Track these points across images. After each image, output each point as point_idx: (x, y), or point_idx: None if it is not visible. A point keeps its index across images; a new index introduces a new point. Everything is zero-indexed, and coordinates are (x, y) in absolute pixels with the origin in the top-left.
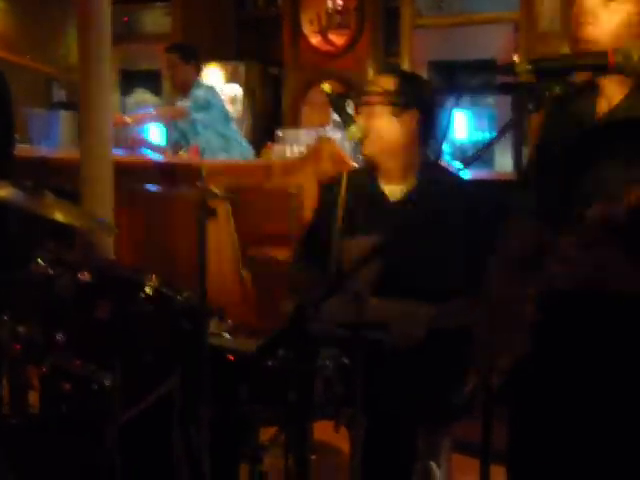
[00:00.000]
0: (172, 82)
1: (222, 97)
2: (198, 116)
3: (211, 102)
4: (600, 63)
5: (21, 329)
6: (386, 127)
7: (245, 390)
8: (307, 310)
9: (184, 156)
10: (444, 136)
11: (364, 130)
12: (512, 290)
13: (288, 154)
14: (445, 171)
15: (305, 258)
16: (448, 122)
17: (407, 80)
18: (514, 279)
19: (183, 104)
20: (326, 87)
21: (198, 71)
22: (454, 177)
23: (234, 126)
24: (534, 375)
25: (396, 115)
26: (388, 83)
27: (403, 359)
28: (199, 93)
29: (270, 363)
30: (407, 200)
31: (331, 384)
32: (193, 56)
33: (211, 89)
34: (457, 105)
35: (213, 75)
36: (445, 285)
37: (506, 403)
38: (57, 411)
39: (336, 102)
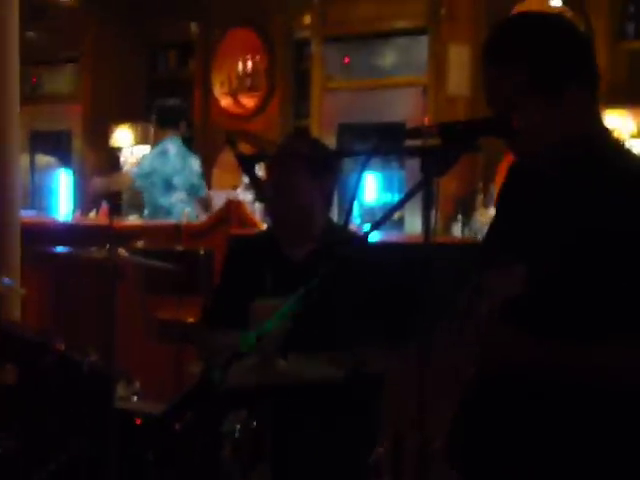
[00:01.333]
0: None
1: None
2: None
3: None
4: (504, 127)
5: None
6: (300, 188)
7: (152, 454)
8: (214, 373)
9: (93, 217)
10: (353, 198)
11: (275, 191)
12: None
13: (198, 216)
14: (348, 233)
15: (213, 320)
16: (357, 185)
17: (318, 145)
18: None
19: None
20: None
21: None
22: (358, 239)
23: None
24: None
25: (311, 177)
26: (302, 146)
27: (314, 421)
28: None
29: (177, 427)
30: (310, 261)
31: (239, 446)
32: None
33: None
34: (366, 168)
35: (123, 136)
36: (347, 340)
37: (453, 466)
38: None
39: (246, 164)
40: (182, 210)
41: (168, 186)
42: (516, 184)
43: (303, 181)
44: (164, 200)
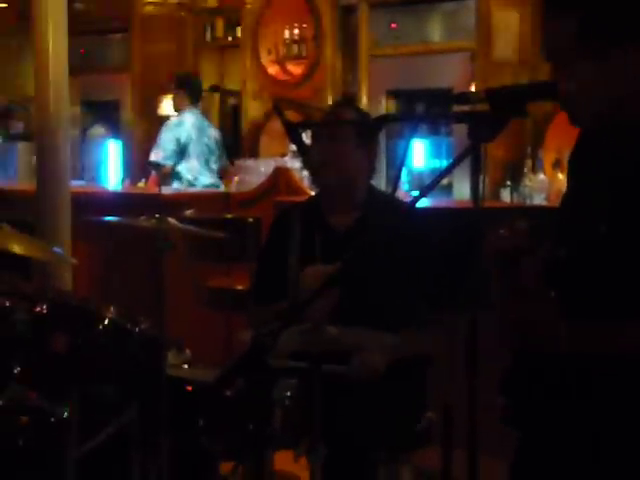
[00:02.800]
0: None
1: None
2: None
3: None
4: (551, 91)
5: None
6: (347, 156)
7: (204, 421)
8: (265, 340)
9: (142, 186)
10: (402, 165)
11: (322, 159)
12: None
13: (246, 184)
14: (393, 200)
15: (261, 289)
16: (406, 151)
17: (363, 112)
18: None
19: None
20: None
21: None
22: (403, 206)
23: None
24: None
25: (357, 144)
26: (349, 114)
27: (362, 387)
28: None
29: (229, 394)
30: (355, 229)
31: (290, 414)
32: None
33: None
34: (414, 134)
35: (171, 105)
36: (400, 314)
37: (513, 425)
38: (14, 445)
39: (293, 131)
40: (194, 178)
41: (181, 154)
42: (582, 149)
43: (349, 149)
44: (179, 167)
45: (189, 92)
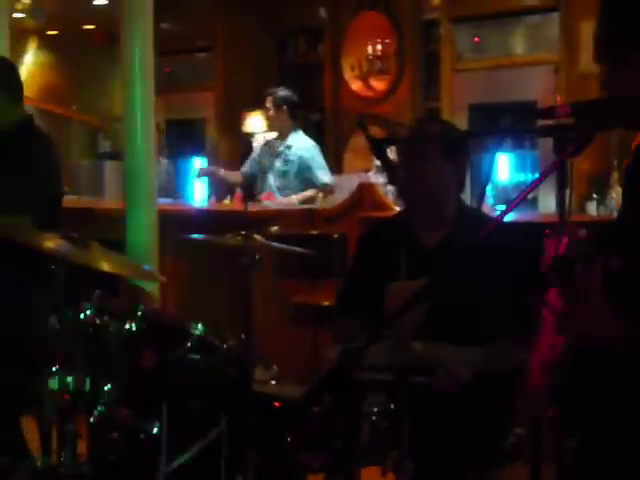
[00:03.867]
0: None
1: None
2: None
3: None
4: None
5: (70, 379)
6: (432, 172)
7: (291, 437)
8: (352, 356)
9: (228, 204)
10: (487, 179)
11: (408, 175)
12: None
13: (331, 200)
14: (482, 216)
15: (347, 304)
16: (491, 165)
17: (449, 127)
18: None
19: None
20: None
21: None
22: (491, 222)
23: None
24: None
25: (443, 160)
26: (434, 128)
27: (450, 403)
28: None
29: (316, 409)
30: (444, 246)
31: (377, 429)
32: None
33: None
34: (499, 148)
35: (255, 123)
36: (486, 329)
37: (571, 433)
38: (105, 460)
39: (378, 147)
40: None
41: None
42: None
43: (435, 164)
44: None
45: (289, 110)
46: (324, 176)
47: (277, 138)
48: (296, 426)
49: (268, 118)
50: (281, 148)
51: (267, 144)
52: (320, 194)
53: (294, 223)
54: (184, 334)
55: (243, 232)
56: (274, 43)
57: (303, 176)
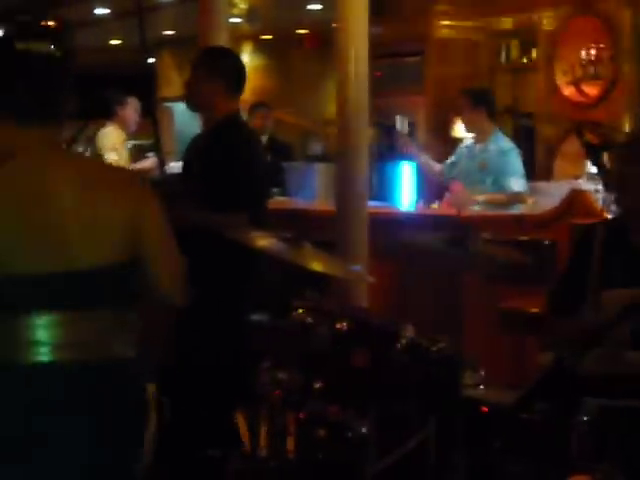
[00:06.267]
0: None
1: None
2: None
3: None
4: None
5: (281, 375)
6: None
7: (499, 442)
8: (567, 362)
9: (436, 208)
10: None
11: (622, 181)
12: None
13: (540, 206)
14: None
15: (559, 305)
16: None
17: None
18: None
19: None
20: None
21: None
22: None
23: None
24: None
25: None
26: None
27: None
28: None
29: (524, 416)
30: None
31: (587, 439)
32: (484, 102)
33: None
34: None
35: (463, 127)
36: None
37: None
38: (313, 457)
39: (594, 153)
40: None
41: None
42: None
43: None
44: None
45: (488, 110)
46: (516, 184)
47: (476, 141)
48: (505, 432)
49: (464, 119)
50: (479, 151)
51: (466, 147)
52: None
53: (503, 229)
54: (394, 335)
55: (453, 236)
56: (488, 47)
57: (498, 181)
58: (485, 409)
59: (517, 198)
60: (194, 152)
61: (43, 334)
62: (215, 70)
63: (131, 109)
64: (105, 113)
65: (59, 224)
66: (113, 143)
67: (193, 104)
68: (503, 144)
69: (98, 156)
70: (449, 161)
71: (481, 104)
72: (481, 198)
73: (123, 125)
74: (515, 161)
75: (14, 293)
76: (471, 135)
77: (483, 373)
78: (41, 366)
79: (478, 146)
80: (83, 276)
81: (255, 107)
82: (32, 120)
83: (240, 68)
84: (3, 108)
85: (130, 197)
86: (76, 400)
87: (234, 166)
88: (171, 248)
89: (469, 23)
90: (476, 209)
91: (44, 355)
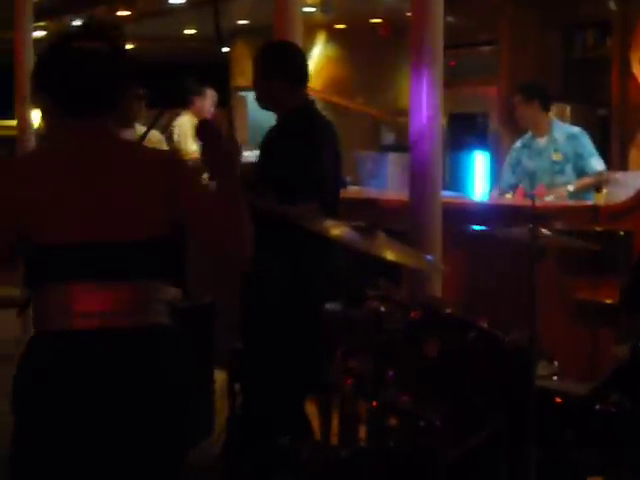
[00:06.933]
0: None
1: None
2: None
3: None
4: None
5: (353, 364)
6: None
7: (573, 434)
8: None
9: (510, 198)
10: None
11: None
12: None
13: (616, 197)
14: None
15: (633, 306)
16: None
17: None
18: None
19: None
20: None
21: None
22: None
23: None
24: None
25: None
26: None
27: None
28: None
29: (598, 407)
30: None
31: None
32: (537, 95)
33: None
34: None
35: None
36: None
37: None
38: (384, 446)
39: None
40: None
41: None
42: None
43: None
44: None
45: (541, 103)
46: (597, 164)
47: (534, 136)
48: (579, 423)
49: (518, 115)
50: (545, 144)
51: (523, 146)
52: (596, 182)
53: (578, 219)
54: (467, 325)
55: (530, 225)
56: (561, 36)
57: (578, 166)
58: (559, 400)
59: (603, 176)
60: (267, 144)
61: (80, 303)
62: (275, 70)
63: (209, 100)
64: (181, 102)
65: (100, 199)
66: (192, 133)
67: (261, 103)
68: (569, 129)
69: (173, 144)
70: (506, 167)
71: (534, 98)
72: (571, 188)
73: (198, 115)
74: (587, 142)
75: (50, 262)
76: (527, 133)
77: (557, 364)
78: (75, 334)
79: (540, 140)
80: (118, 248)
81: None
82: (83, 113)
83: (300, 62)
84: (57, 102)
85: (164, 176)
86: (112, 368)
87: (304, 154)
88: (220, 213)
89: (543, 12)
90: (550, 199)
91: (80, 323)
